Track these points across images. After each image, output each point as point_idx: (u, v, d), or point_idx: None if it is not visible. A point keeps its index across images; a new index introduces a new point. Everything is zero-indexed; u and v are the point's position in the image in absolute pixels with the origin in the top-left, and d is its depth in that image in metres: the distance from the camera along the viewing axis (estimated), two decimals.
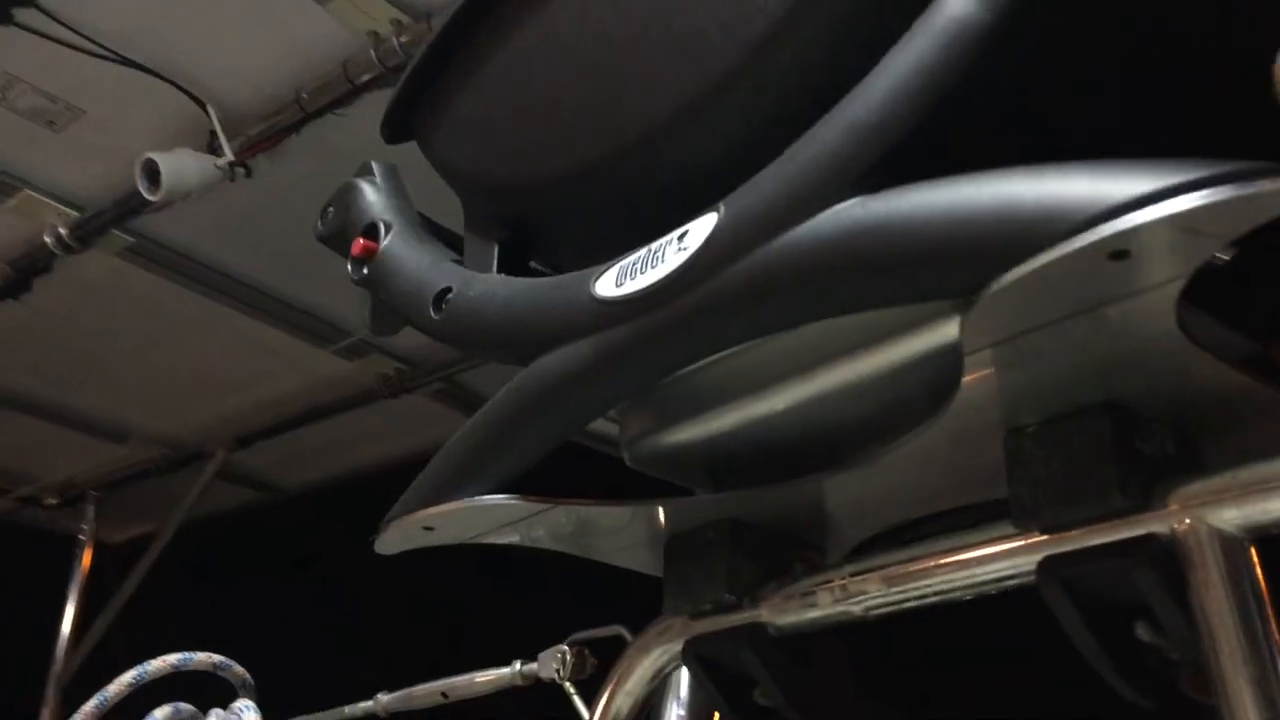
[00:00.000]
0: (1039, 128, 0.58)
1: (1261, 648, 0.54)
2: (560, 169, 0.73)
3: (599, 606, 0.93)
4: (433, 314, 0.80)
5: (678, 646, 0.78)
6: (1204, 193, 0.46)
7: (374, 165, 0.96)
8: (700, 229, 0.62)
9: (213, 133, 2.13)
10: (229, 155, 2.13)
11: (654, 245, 0.65)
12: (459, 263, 0.84)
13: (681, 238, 0.63)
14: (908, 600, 0.68)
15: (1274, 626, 0.55)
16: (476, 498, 0.75)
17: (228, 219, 2.33)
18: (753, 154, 0.64)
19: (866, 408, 0.67)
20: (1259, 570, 0.56)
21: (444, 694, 0.94)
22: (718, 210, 0.62)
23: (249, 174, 2.18)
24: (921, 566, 0.66)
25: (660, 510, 0.76)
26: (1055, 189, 0.50)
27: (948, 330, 0.60)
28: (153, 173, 2.08)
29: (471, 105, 0.80)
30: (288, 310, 2.60)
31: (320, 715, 1.05)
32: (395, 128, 0.89)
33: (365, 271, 0.89)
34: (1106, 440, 0.58)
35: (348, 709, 1.01)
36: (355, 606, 2.58)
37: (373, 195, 0.93)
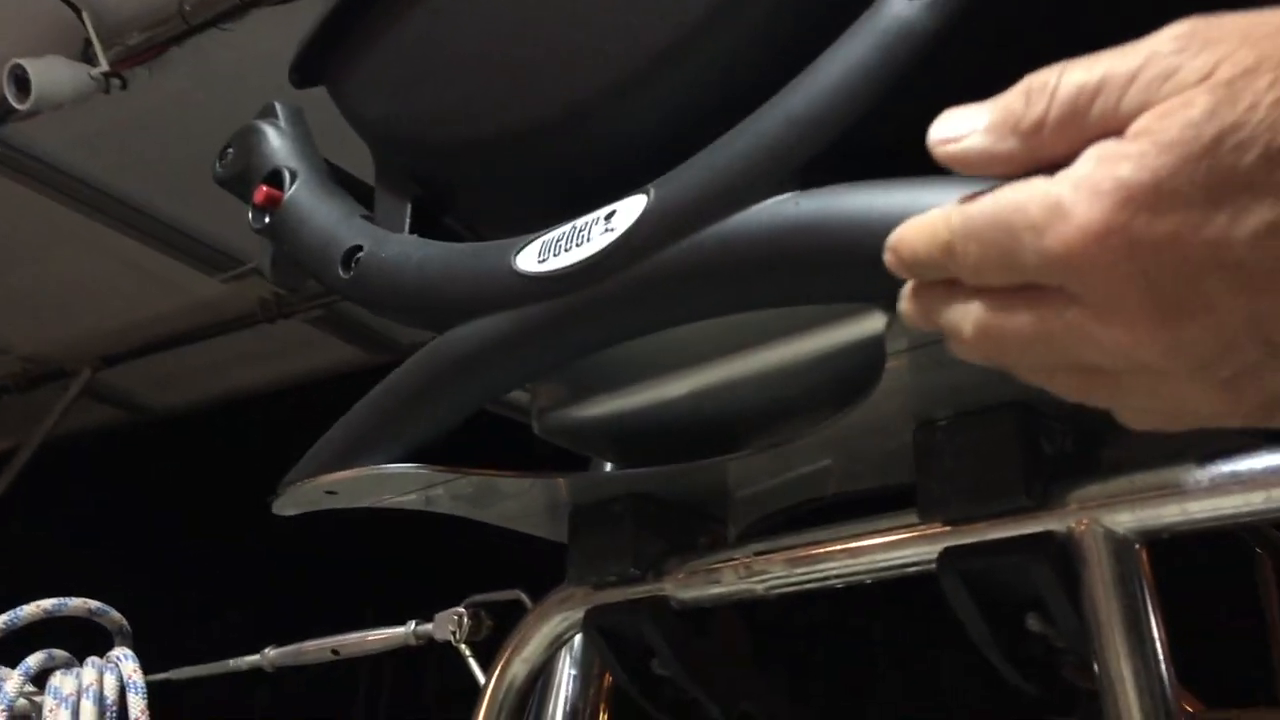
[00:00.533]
0: None
1: (1145, 645, 0.57)
2: (483, 134, 0.72)
3: (498, 567, 0.93)
4: (341, 273, 0.78)
5: (578, 615, 0.79)
6: None
7: (278, 107, 0.93)
8: (629, 211, 0.62)
9: (87, 41, 2.03)
10: (104, 65, 2.03)
11: (579, 222, 0.65)
12: (369, 219, 0.82)
13: (609, 217, 0.63)
14: (809, 582, 0.69)
15: (1157, 624, 0.58)
16: (381, 465, 0.74)
17: (102, 132, 2.23)
18: (688, 136, 0.64)
19: (780, 394, 0.68)
20: (1147, 570, 0.59)
21: (335, 651, 0.93)
22: (647, 193, 0.62)
23: (125, 86, 2.08)
24: (825, 550, 0.68)
25: (564, 482, 0.76)
26: None
27: (868, 326, 0.61)
28: (21, 80, 1.98)
29: (393, 58, 0.77)
30: (163, 229, 2.51)
31: (202, 668, 1.03)
32: (305, 73, 0.86)
33: (268, 220, 0.86)
34: (1012, 439, 0.60)
35: (232, 662, 1.00)
36: (234, 540, 2.53)
37: (277, 140, 0.90)
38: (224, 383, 3.06)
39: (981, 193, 0.39)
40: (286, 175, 0.86)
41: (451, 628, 0.86)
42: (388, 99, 0.78)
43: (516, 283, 0.66)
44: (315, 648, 0.95)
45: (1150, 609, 0.58)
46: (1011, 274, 0.38)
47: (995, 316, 0.39)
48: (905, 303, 0.43)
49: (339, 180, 0.87)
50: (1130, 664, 0.57)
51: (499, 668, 0.83)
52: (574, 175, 0.70)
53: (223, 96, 1.99)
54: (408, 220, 0.79)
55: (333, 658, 0.93)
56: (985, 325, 0.39)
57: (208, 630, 2.82)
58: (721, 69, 0.62)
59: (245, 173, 0.90)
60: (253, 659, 0.97)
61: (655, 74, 0.64)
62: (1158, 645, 0.58)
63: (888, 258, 0.42)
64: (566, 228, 0.65)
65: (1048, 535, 0.59)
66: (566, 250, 0.64)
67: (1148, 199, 0.34)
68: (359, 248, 0.78)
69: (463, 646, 0.86)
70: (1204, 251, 0.34)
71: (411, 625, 0.90)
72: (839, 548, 0.68)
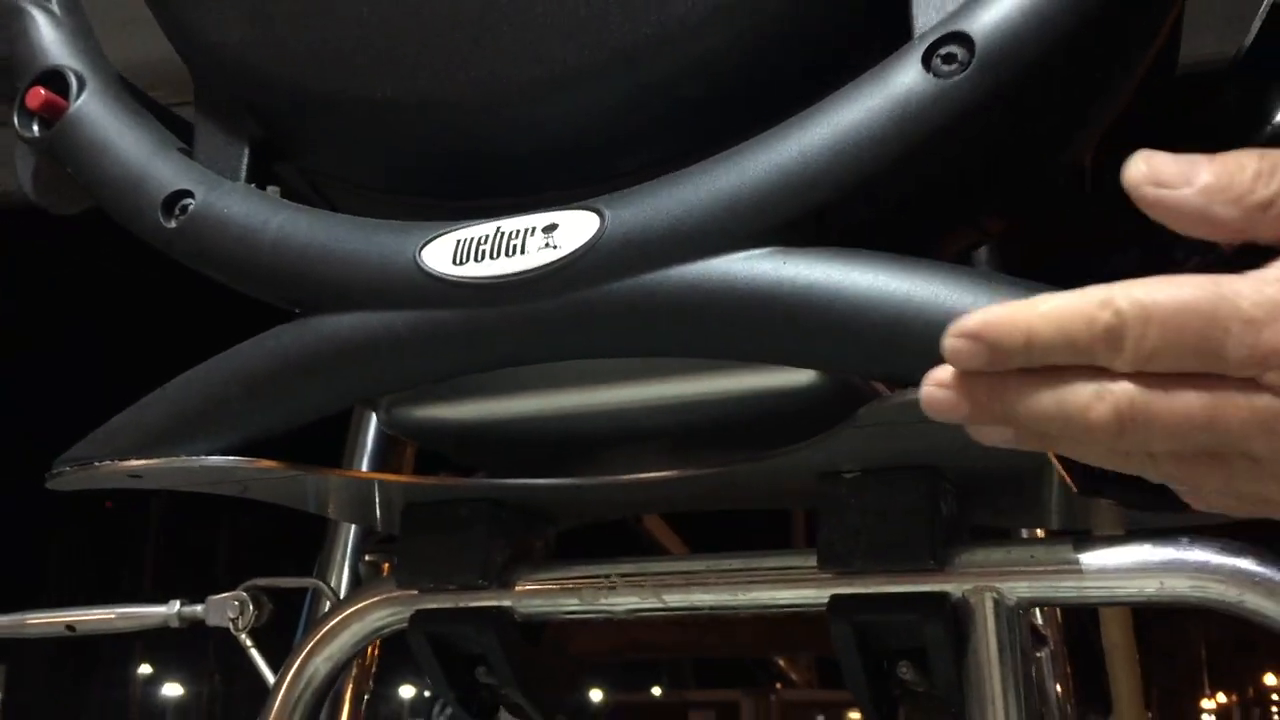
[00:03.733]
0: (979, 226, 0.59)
1: (1020, 708, 0.61)
2: (376, 93, 0.63)
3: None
4: (163, 221, 0.66)
5: (399, 615, 0.73)
6: None
7: None
8: (576, 229, 0.57)
9: None
10: None
11: (507, 228, 0.58)
12: (189, 155, 0.70)
13: (549, 230, 0.57)
14: (681, 610, 0.68)
15: (1032, 688, 0.62)
16: (204, 458, 0.64)
17: None
18: (629, 148, 0.60)
19: (669, 426, 0.66)
20: (1030, 637, 0.63)
21: (70, 626, 0.80)
22: (599, 214, 0.57)
23: None
24: (703, 581, 0.67)
25: (404, 484, 0.70)
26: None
27: (794, 382, 0.60)
28: None
29: None
30: None
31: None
32: None
33: (41, 131, 0.72)
34: (920, 501, 0.61)
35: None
36: None
37: (53, 32, 0.75)
38: None
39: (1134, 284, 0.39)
40: (72, 79, 0.72)
41: (231, 614, 0.77)
42: (245, 22, 0.66)
43: (423, 282, 0.59)
44: (43, 620, 0.82)
45: (1029, 675, 0.62)
46: (1200, 362, 0.39)
47: (1154, 399, 0.39)
48: (947, 390, 0.42)
49: (136, 98, 0.74)
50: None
51: (297, 663, 0.75)
52: (477, 159, 0.63)
53: None
54: (244, 167, 0.68)
55: (67, 634, 0.81)
56: (1136, 409, 0.39)
57: None
58: (687, 80, 0.58)
59: (10, 66, 0.75)
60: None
61: (612, 71, 0.58)
62: (1032, 711, 0.62)
63: (960, 344, 0.41)
64: (489, 230, 0.59)
65: (943, 596, 0.62)
66: (493, 258, 0.58)
67: None
68: (187, 193, 0.67)
69: (243, 636, 0.77)
70: None
71: (175, 605, 0.80)
72: (719, 580, 0.67)
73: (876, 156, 0.53)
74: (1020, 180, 0.61)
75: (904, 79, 0.53)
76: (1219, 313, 0.38)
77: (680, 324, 0.55)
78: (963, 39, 0.52)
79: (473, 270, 0.58)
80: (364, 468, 0.85)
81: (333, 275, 0.62)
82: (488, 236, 0.59)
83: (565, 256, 0.56)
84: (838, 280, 0.53)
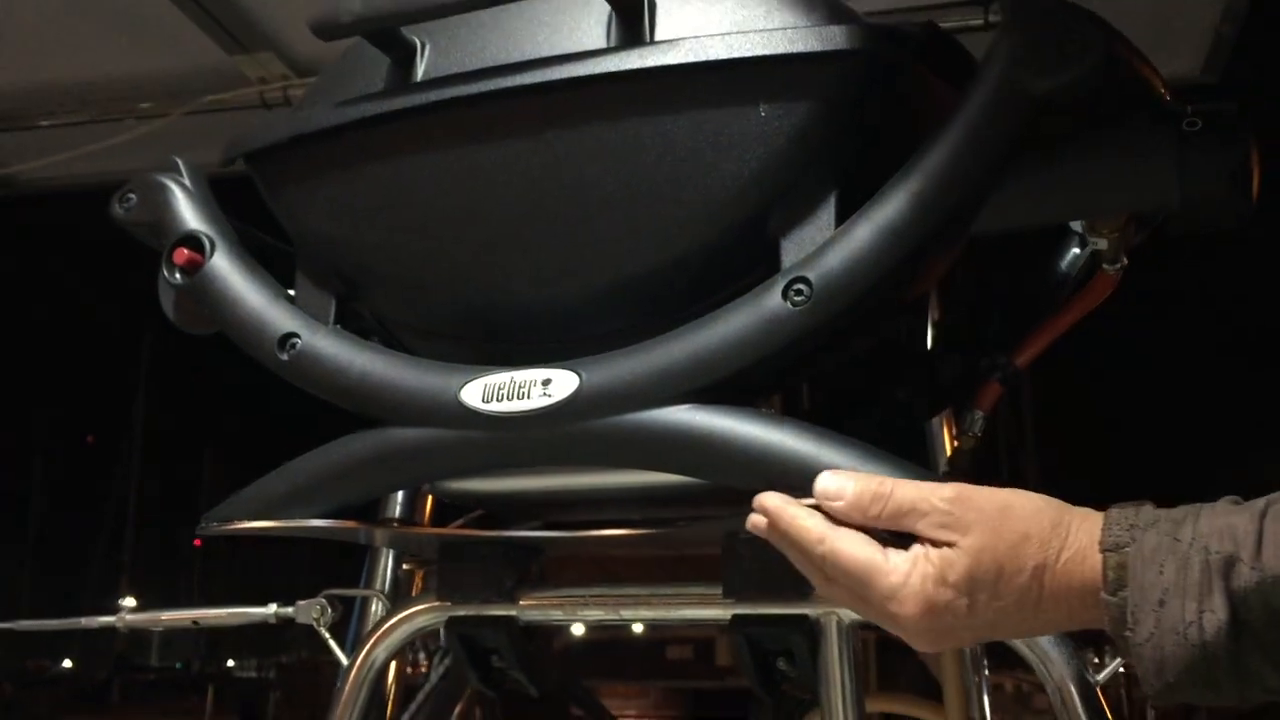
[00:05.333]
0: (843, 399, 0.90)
1: (854, 691, 0.94)
2: (434, 284, 0.93)
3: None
4: (278, 354, 0.97)
5: (438, 620, 1.05)
6: None
7: (180, 164, 1.07)
8: (563, 384, 0.87)
9: None
10: None
11: (518, 378, 0.89)
12: (292, 300, 1.00)
13: (546, 384, 0.88)
14: (632, 620, 1.00)
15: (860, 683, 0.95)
16: (310, 521, 0.95)
17: None
18: (603, 320, 0.90)
19: (636, 502, 0.97)
20: (860, 648, 0.95)
21: (195, 621, 1.11)
22: (579, 374, 0.87)
23: None
24: (649, 602, 0.99)
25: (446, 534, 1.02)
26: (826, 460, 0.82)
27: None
28: None
29: (360, 190, 0.94)
30: None
31: (52, 623, 1.16)
32: (259, 160, 1.00)
33: (184, 280, 1.02)
34: None
35: (85, 620, 1.14)
36: None
37: (187, 201, 1.05)
38: None
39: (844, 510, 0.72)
40: (206, 241, 1.02)
41: (315, 614, 1.08)
42: (335, 216, 0.96)
43: (462, 413, 0.90)
44: (174, 616, 1.13)
45: (859, 674, 0.94)
46: (851, 597, 0.72)
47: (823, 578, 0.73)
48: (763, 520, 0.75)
49: (251, 249, 1.04)
50: (844, 702, 0.94)
51: (364, 651, 1.08)
52: (499, 321, 0.94)
53: None
54: (332, 314, 0.99)
55: (192, 627, 1.12)
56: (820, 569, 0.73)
57: None
58: (648, 301, 0.88)
59: (154, 228, 1.04)
60: (108, 619, 1.13)
61: (594, 282, 0.89)
62: (859, 697, 0.94)
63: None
64: (505, 379, 0.89)
65: (804, 617, 0.94)
66: (509, 399, 0.89)
67: (936, 608, 0.70)
68: (294, 334, 0.97)
69: (324, 631, 1.09)
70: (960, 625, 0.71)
71: (272, 607, 1.11)
72: (659, 601, 0.99)
73: (752, 351, 0.83)
74: (832, 360, 0.93)
75: (770, 303, 0.83)
76: (869, 580, 0.72)
77: (628, 449, 0.86)
78: (807, 280, 0.83)
79: (496, 407, 0.89)
80: (396, 511, 1.16)
81: (400, 403, 0.92)
82: (505, 384, 0.89)
83: (556, 403, 0.87)
84: (729, 428, 0.84)
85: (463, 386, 0.90)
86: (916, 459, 0.82)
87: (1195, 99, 0.83)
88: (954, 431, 1.11)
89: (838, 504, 0.73)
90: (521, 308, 0.92)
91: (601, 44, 0.89)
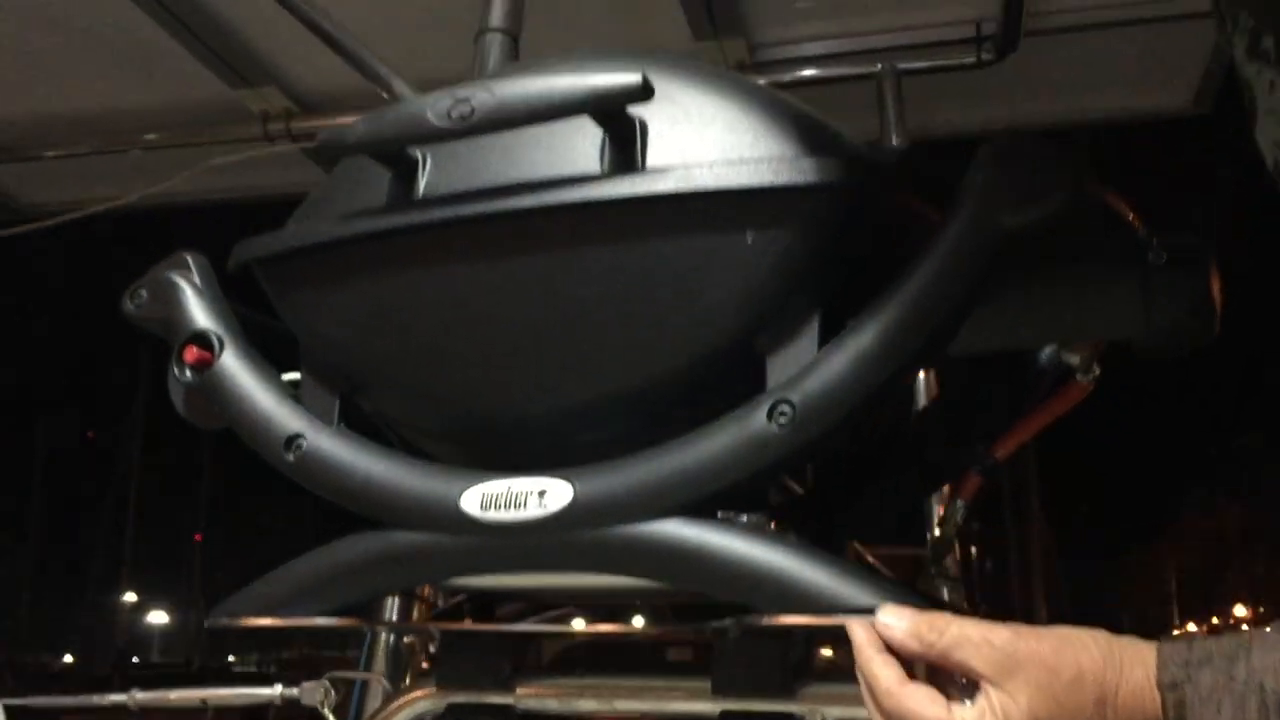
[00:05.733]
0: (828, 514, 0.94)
1: None
2: (426, 388, 0.97)
3: None
4: (285, 454, 1.01)
5: (438, 705, 1.09)
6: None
7: (189, 260, 1.11)
8: (557, 495, 0.91)
9: None
10: None
11: (515, 487, 0.93)
12: (297, 400, 1.04)
13: (541, 495, 0.92)
14: (626, 713, 1.04)
15: None
16: (315, 619, 0.99)
17: None
18: (593, 430, 0.94)
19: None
20: None
21: (203, 701, 1.15)
22: (572, 485, 0.91)
23: None
24: (640, 694, 1.03)
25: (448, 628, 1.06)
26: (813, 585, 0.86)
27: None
28: None
29: (358, 296, 0.98)
30: None
31: (66, 699, 1.20)
32: (269, 266, 1.03)
33: (194, 377, 1.06)
34: (778, 654, 0.97)
35: (96, 697, 1.18)
36: None
37: (196, 299, 1.09)
38: None
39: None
40: (215, 340, 1.06)
41: (319, 697, 1.13)
42: (341, 322, 1.00)
43: (462, 520, 0.93)
44: (182, 697, 1.17)
45: None
46: None
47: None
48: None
49: (257, 342, 1.08)
50: None
51: None
52: (502, 435, 0.98)
53: None
54: (336, 414, 1.03)
55: (199, 706, 1.16)
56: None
57: None
58: (640, 413, 0.92)
59: (165, 325, 1.08)
60: (119, 697, 1.17)
61: (586, 397, 0.93)
62: None
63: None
64: (503, 488, 0.93)
65: (790, 714, 0.98)
66: (506, 508, 0.93)
67: None
68: (300, 435, 1.01)
69: (328, 713, 1.13)
70: None
71: (278, 688, 1.15)
72: (651, 693, 1.03)
73: (738, 468, 0.88)
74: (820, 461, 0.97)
75: (756, 423, 0.87)
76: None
77: (619, 560, 0.90)
78: (790, 402, 0.87)
79: (494, 516, 0.93)
80: (397, 599, 1.20)
81: (402, 507, 0.96)
82: (503, 493, 0.93)
83: (551, 514, 0.91)
84: (715, 543, 0.88)
85: (462, 493, 0.94)
86: (909, 537, 0.87)
87: (1164, 219, 0.87)
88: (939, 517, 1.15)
89: (894, 634, 0.77)
90: (519, 416, 0.96)
91: (595, 165, 0.93)
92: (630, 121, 0.91)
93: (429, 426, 1.02)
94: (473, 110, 0.89)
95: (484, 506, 0.93)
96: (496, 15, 1.82)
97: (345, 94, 2.81)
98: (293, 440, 1.01)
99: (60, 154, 2.98)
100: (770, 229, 0.88)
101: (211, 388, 1.05)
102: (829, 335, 0.89)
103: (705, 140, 0.91)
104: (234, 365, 1.05)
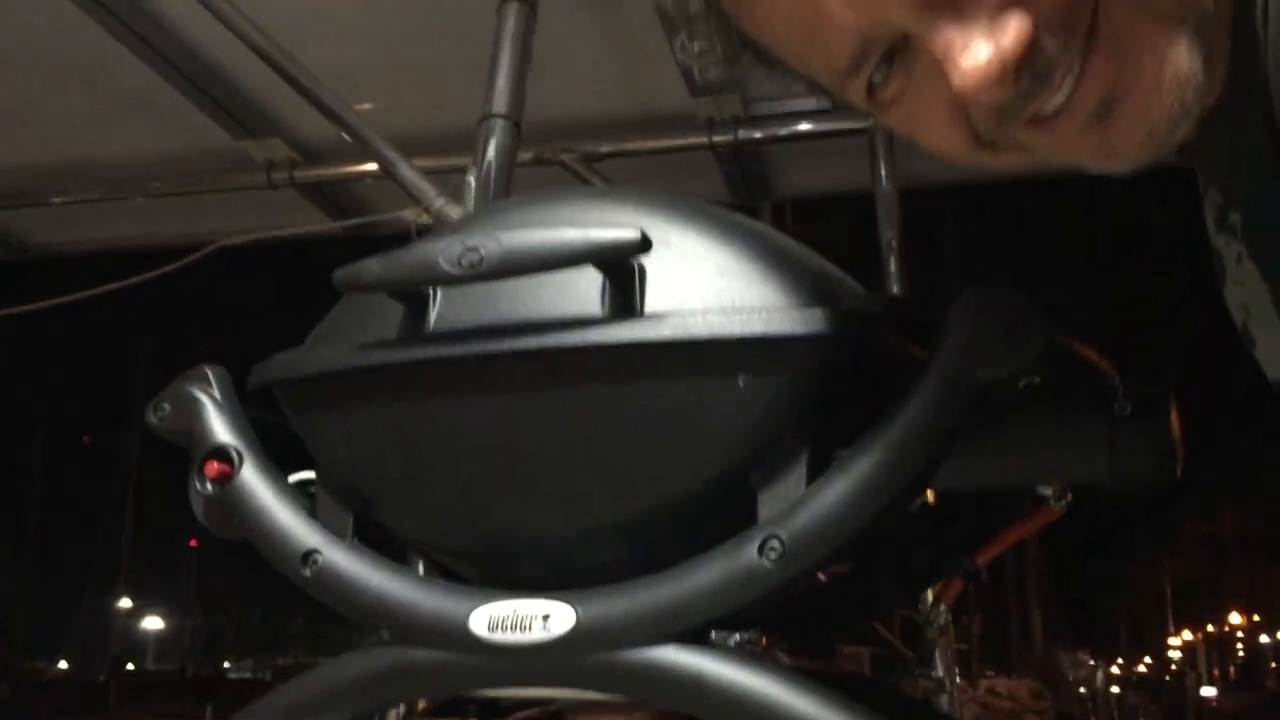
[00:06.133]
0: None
1: None
2: (437, 511, 1.03)
3: None
4: (302, 570, 1.06)
5: None
6: None
7: (210, 373, 1.17)
8: (561, 618, 0.97)
9: None
10: None
11: (520, 610, 0.98)
12: (312, 511, 1.09)
13: (545, 619, 0.97)
14: None
15: None
16: None
17: None
18: (595, 556, 1.00)
19: None
20: None
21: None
22: (575, 610, 0.97)
23: None
24: None
25: None
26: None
27: None
28: None
29: (371, 422, 1.04)
30: None
31: None
32: (291, 389, 1.09)
33: (215, 490, 1.11)
34: None
35: None
36: None
37: (217, 413, 1.14)
38: None
39: None
40: (235, 455, 1.11)
41: None
42: (360, 450, 1.05)
43: (470, 640, 0.99)
44: None
45: None
46: None
47: None
48: None
49: (275, 456, 1.13)
50: None
51: None
52: (508, 557, 1.03)
53: None
54: (350, 530, 1.08)
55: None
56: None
57: None
58: (638, 540, 0.98)
59: (187, 438, 1.14)
60: None
61: (586, 526, 0.98)
62: None
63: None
64: (509, 610, 0.99)
65: None
66: (512, 630, 0.98)
67: None
68: (316, 551, 1.06)
69: None
70: None
71: None
72: None
73: (731, 600, 0.93)
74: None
75: (747, 557, 0.93)
76: None
77: (620, 682, 0.96)
78: (780, 538, 0.92)
79: (500, 638, 0.98)
80: None
81: (413, 624, 1.02)
82: (509, 615, 0.99)
83: (555, 639, 0.97)
84: (710, 670, 0.93)
85: (470, 614, 1.00)
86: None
87: (1130, 374, 0.93)
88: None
89: None
90: (522, 539, 1.02)
91: (596, 307, 0.98)
92: (630, 268, 0.97)
93: (438, 544, 1.08)
94: (481, 259, 0.95)
95: (491, 628, 0.99)
96: (499, 103, 1.89)
97: (347, 144, 2.87)
98: (308, 556, 1.06)
99: (68, 200, 3.05)
100: (763, 374, 0.94)
101: (231, 501, 1.10)
102: (817, 467, 0.95)
103: (701, 287, 0.97)
104: (253, 480, 1.10)
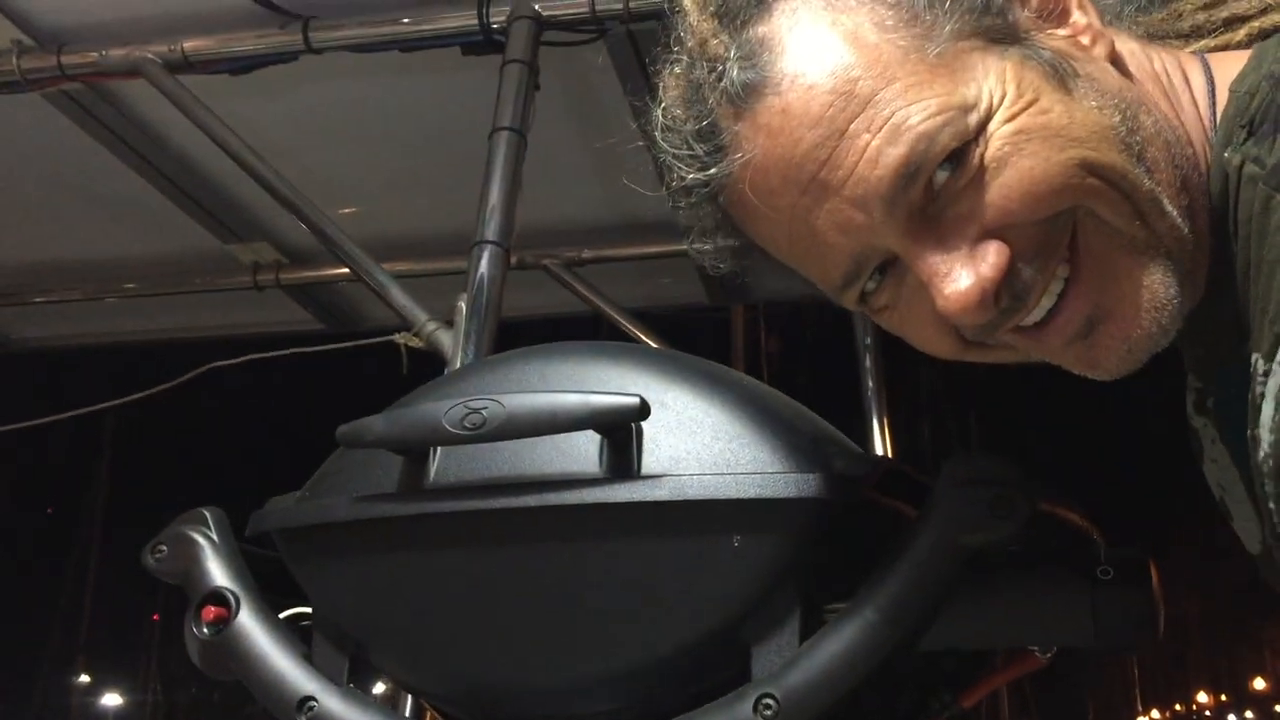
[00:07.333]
0: None
1: None
2: (431, 659, 1.05)
3: None
4: (297, 717, 1.07)
5: None
6: None
7: (207, 516, 1.18)
8: None
9: None
10: None
11: None
12: (308, 657, 1.10)
13: None
14: None
15: None
16: None
17: None
18: (591, 703, 1.02)
19: None
20: None
21: None
22: None
23: None
24: None
25: None
26: None
27: None
28: None
29: (369, 572, 1.05)
30: None
31: None
32: (291, 539, 1.10)
33: (211, 634, 1.12)
34: None
35: None
36: None
37: (214, 556, 1.15)
38: None
39: None
40: (231, 600, 1.13)
41: None
42: (356, 598, 1.07)
43: None
44: None
45: None
46: None
47: None
48: None
49: (270, 600, 1.15)
50: None
51: None
52: (502, 706, 1.05)
53: None
54: (345, 671, 1.09)
55: None
56: None
57: None
58: (635, 688, 1.00)
59: (184, 581, 1.15)
60: None
61: (583, 680, 1.00)
62: None
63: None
64: None
65: None
66: None
67: None
68: (311, 698, 1.07)
69: None
70: None
71: None
72: None
73: None
74: None
75: (741, 713, 0.95)
76: None
77: None
78: (774, 696, 0.94)
79: None
80: None
81: None
82: None
83: None
84: None
85: None
86: None
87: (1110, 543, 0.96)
88: None
89: None
90: (517, 690, 1.03)
91: (594, 466, 1.01)
92: (628, 431, 1.00)
93: (432, 692, 1.09)
94: (484, 421, 0.98)
95: None
96: (490, 229, 1.94)
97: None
98: (304, 703, 1.07)
99: (52, 299, 3.07)
100: (756, 534, 0.96)
101: (228, 646, 1.11)
102: (809, 623, 0.97)
103: (697, 449, 1.00)
104: (249, 624, 1.12)
